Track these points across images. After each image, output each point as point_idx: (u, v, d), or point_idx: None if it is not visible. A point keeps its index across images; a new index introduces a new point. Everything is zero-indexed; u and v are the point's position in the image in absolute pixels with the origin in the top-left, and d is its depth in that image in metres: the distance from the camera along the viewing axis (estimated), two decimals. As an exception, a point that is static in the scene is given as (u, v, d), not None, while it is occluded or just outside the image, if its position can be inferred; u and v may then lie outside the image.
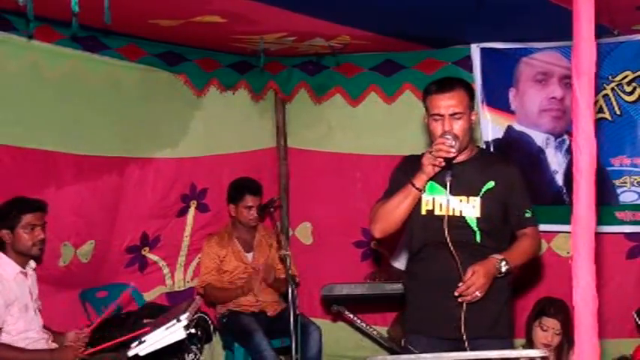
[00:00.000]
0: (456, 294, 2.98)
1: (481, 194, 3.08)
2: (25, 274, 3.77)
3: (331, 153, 5.51)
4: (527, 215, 3.14)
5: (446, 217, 3.01)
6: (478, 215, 3.07)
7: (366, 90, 5.25)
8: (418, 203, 3.09)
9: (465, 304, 2.98)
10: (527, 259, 3.15)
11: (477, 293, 2.96)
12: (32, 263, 3.85)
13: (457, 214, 3.07)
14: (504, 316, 3.18)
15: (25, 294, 3.73)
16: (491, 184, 3.10)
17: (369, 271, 5.26)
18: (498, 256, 3.00)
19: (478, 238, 3.08)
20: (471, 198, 3.08)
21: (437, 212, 3.08)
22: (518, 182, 3.17)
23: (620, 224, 4.55)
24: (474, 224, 3.08)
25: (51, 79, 4.18)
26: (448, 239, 2.98)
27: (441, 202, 3.07)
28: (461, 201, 3.08)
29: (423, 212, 3.11)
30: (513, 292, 3.30)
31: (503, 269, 2.98)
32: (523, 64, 4.67)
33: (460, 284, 2.96)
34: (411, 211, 3.09)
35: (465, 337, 2.98)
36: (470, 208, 3.07)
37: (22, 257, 3.74)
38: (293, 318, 4.01)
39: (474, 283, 2.94)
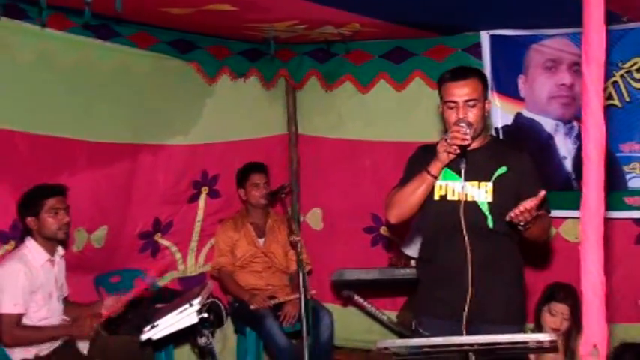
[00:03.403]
0: (511, 216, 2.86)
1: (493, 179, 3.11)
2: (53, 262, 3.84)
3: (341, 140, 5.53)
4: None
5: (462, 205, 3.05)
6: (490, 200, 3.09)
7: (375, 77, 5.26)
8: (431, 189, 3.13)
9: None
10: (539, 235, 3.12)
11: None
12: (60, 250, 3.92)
13: (469, 199, 3.09)
14: (516, 303, 3.21)
15: (50, 282, 3.80)
16: (503, 169, 3.12)
17: (378, 256, 5.29)
18: None
19: (490, 223, 3.10)
20: (483, 183, 3.10)
21: (449, 198, 3.12)
22: (530, 169, 3.18)
23: (629, 210, 4.55)
24: (485, 209, 3.10)
25: (64, 66, 4.20)
26: (464, 227, 3.02)
27: (454, 187, 3.11)
28: (473, 186, 3.11)
29: (436, 198, 3.14)
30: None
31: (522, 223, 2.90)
32: (532, 51, 4.67)
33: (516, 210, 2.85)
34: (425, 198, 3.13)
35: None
36: (482, 194, 3.10)
37: (49, 243, 3.81)
38: (304, 302, 4.05)
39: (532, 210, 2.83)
